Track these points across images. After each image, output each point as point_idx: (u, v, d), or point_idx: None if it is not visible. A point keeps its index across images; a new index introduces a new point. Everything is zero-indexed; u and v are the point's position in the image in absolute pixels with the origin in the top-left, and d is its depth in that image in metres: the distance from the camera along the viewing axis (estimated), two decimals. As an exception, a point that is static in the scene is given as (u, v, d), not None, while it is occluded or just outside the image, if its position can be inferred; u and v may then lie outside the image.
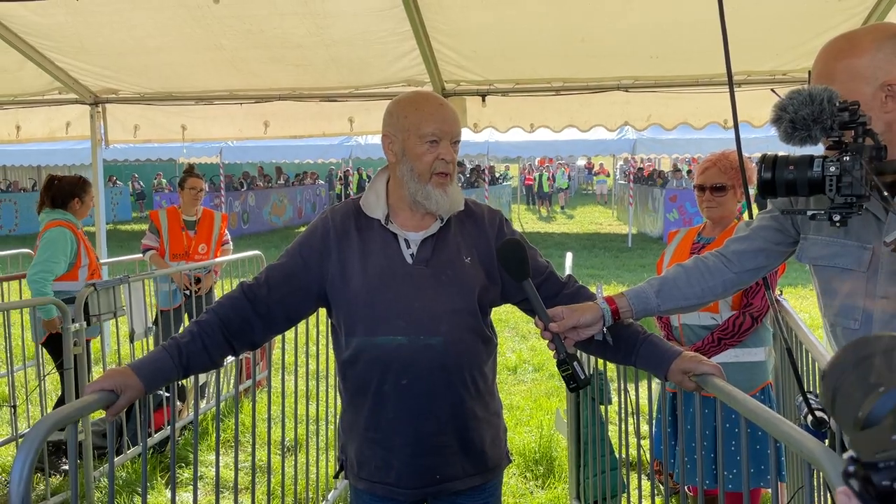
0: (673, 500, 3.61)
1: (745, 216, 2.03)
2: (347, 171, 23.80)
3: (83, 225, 4.78)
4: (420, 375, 1.84)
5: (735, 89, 1.78)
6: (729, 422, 2.82)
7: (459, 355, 1.87)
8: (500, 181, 25.51)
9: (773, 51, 4.70)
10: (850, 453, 0.66)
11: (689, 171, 19.70)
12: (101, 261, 5.75)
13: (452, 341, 1.86)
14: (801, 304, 9.02)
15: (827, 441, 1.74)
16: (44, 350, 4.60)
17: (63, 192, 4.61)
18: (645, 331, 1.92)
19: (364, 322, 1.87)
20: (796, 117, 1.48)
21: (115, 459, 4.20)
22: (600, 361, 3.16)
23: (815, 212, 1.55)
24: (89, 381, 4.11)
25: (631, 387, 2.71)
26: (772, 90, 1.68)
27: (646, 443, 3.75)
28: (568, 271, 4.03)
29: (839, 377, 0.82)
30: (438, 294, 1.87)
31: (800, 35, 4.52)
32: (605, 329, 1.84)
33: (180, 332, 1.91)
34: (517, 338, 7.74)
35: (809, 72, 1.66)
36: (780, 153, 1.58)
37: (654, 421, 3.17)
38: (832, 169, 1.49)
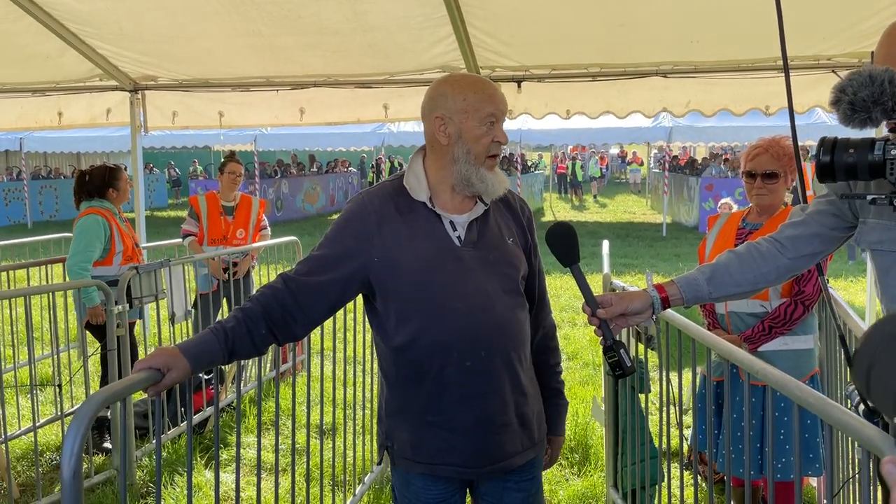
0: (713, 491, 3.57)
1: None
2: (380, 158, 23.86)
3: (123, 211, 4.86)
4: (483, 356, 1.86)
5: (780, 74, 1.74)
6: (778, 410, 2.77)
7: (516, 334, 1.92)
8: (532, 169, 25.36)
9: (818, 35, 4.58)
10: None
11: (725, 160, 19.34)
12: (141, 246, 5.84)
13: (508, 321, 1.89)
14: (843, 295, 8.84)
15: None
16: (87, 331, 4.70)
17: (96, 184, 4.69)
18: (558, 390, 2.12)
19: (420, 306, 1.87)
20: (856, 99, 1.44)
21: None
22: (640, 350, 3.13)
23: (875, 196, 1.50)
24: (132, 362, 4.19)
25: (673, 376, 2.68)
26: (832, 70, 1.64)
27: (686, 432, 3.71)
28: (605, 259, 3.99)
29: (872, 354, 0.81)
30: (488, 275, 1.89)
31: (845, 19, 4.40)
32: (654, 317, 1.82)
33: (221, 316, 1.92)
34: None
35: (872, 52, 1.61)
36: (839, 136, 1.54)
37: (695, 410, 3.13)
38: (894, 152, 1.45)
